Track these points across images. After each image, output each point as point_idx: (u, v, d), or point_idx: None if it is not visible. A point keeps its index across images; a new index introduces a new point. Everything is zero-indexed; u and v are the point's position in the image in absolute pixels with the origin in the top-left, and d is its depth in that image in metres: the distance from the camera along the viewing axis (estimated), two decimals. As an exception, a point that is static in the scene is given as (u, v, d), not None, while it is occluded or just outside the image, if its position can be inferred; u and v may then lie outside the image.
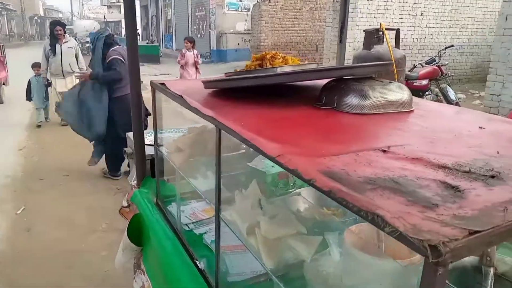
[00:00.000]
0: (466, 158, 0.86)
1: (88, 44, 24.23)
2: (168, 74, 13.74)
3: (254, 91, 1.46)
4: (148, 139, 2.35)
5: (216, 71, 14.02)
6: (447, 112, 1.35)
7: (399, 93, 1.28)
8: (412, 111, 1.29)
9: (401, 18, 10.50)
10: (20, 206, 4.07)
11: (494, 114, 5.67)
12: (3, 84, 9.46)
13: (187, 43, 7.66)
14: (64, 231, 3.57)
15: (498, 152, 0.91)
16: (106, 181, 4.75)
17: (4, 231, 3.59)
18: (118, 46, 4.50)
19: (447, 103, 6.43)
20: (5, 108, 8.86)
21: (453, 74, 8.27)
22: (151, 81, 1.80)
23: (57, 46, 6.62)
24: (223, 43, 17.22)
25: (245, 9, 17.17)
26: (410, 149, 0.92)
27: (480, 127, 1.12)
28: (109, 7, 38.95)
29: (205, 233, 1.64)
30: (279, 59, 1.69)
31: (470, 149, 0.93)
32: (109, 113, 4.39)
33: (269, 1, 13.74)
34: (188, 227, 1.69)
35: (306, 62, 1.73)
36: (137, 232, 1.81)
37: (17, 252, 3.25)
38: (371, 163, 0.83)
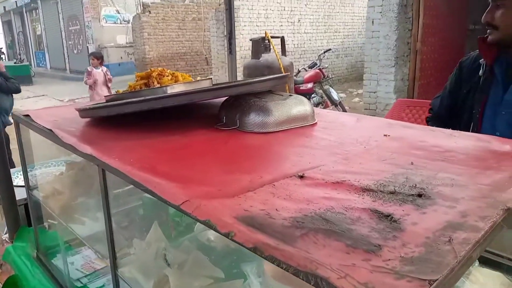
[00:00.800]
0: (385, 174, 0.80)
1: None
2: (43, 95, 12.41)
3: (142, 116, 1.27)
4: (20, 178, 1.97)
5: (100, 88, 13.07)
6: (348, 121, 1.32)
7: (301, 106, 1.21)
8: (315, 123, 1.23)
9: (281, 25, 11.00)
10: None
11: (373, 109, 6.20)
12: None
13: (93, 59, 6.73)
14: None
15: (412, 163, 0.87)
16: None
17: None
18: None
19: (331, 103, 6.86)
20: None
21: (333, 75, 8.89)
22: (12, 113, 1.49)
23: None
24: (104, 57, 16.15)
25: (125, 21, 16.34)
26: (326, 170, 0.84)
27: (385, 135, 1.10)
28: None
29: (103, 286, 1.38)
30: (167, 76, 1.51)
31: (385, 163, 0.88)
32: None
33: (150, 13, 13.27)
34: (81, 282, 1.41)
35: (198, 78, 1.59)
36: (14, 299, 1.46)
37: None
38: (291, 196, 0.71)
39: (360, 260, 0.50)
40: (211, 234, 1.38)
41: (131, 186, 1.53)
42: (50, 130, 1.20)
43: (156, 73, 1.48)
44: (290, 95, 1.25)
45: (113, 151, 0.99)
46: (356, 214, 0.64)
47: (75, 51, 18.09)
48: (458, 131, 1.12)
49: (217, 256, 1.14)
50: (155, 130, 1.19)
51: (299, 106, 1.20)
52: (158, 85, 1.43)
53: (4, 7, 25.07)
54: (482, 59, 1.49)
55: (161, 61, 13.33)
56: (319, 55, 7.41)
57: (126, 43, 16.22)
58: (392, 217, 0.62)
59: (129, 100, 1.16)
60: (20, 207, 1.72)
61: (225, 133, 1.14)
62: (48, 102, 11.23)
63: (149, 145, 1.05)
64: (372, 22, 6.07)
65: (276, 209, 0.66)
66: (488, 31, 1.43)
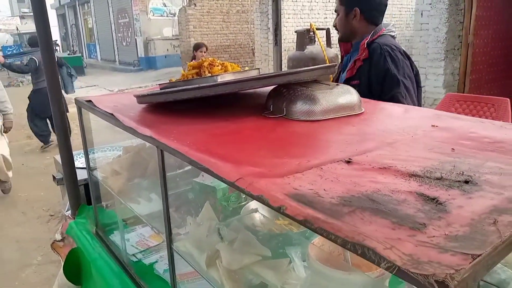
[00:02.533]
0: (432, 162, 0.82)
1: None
2: (95, 85, 13.02)
3: (194, 103, 1.34)
4: (79, 161, 2.13)
5: (147, 79, 13.55)
6: (395, 111, 1.33)
7: (348, 95, 1.23)
8: (362, 113, 1.25)
9: (326, 17, 10.86)
10: None
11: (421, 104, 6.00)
12: None
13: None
14: (-9, 270, 3.17)
15: (459, 152, 0.88)
16: (36, 208, 4.32)
17: None
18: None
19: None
20: None
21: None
22: (75, 99, 1.61)
23: None
24: (151, 49, 16.67)
25: (171, 14, 16.76)
26: (373, 156, 0.87)
27: (433, 125, 1.10)
28: (22, 17, 36.16)
29: (156, 262, 1.48)
30: (217, 66, 1.58)
31: (432, 151, 0.89)
32: (29, 103, 6.28)
33: (195, 5, 13.53)
34: (136, 258, 1.52)
35: (246, 68, 1.65)
36: (75, 269, 1.60)
37: None
38: (338, 178, 0.75)
39: (406, 236, 0.54)
40: (257, 218, 1.45)
41: (182, 171, 1.62)
42: (112, 114, 1.30)
43: (207, 63, 1.55)
44: (337, 85, 1.27)
45: (170, 134, 1.06)
46: (402, 196, 0.67)
47: (124, 43, 18.78)
48: (509, 123, 1.11)
49: (263, 238, 1.20)
50: (207, 116, 1.26)
51: (346, 95, 1.22)
52: (209, 74, 1.50)
53: (59, 1, 26.37)
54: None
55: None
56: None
57: (172, 35, 16.63)
58: (438, 200, 0.65)
59: (184, 87, 1.23)
60: (80, 187, 1.86)
61: (272, 121, 1.19)
62: (99, 92, 11.77)
63: (202, 130, 1.12)
64: (421, 14, 5.87)
65: (324, 189, 0.70)
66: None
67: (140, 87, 12.08)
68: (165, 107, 1.35)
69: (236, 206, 1.58)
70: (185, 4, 14.04)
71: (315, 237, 1.14)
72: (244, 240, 1.00)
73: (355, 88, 1.72)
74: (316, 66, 1.29)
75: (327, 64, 1.31)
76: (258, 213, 1.37)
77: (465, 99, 3.53)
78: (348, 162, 0.84)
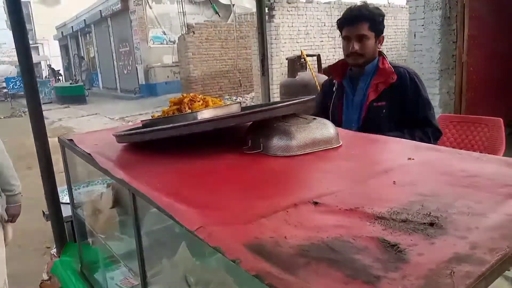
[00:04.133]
0: (401, 201, 0.81)
1: (5, 90, 22.67)
2: (96, 113, 13.15)
3: (174, 140, 1.34)
4: (66, 196, 2.12)
5: (148, 106, 13.67)
6: (374, 143, 1.32)
7: (325, 129, 1.22)
8: (340, 146, 1.24)
9: (322, 41, 11.02)
10: None
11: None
12: None
13: None
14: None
15: (431, 190, 0.86)
16: (32, 241, 4.28)
17: None
18: None
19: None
20: None
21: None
22: (58, 138, 1.62)
23: None
24: (151, 77, 16.90)
25: (171, 41, 17.06)
26: (342, 197, 0.85)
27: (409, 158, 1.09)
28: (26, 49, 36.89)
29: (139, 301, 1.45)
30: (198, 101, 1.58)
31: (403, 189, 0.88)
32: None
33: (193, 33, 13.79)
34: (119, 298, 1.49)
35: (228, 103, 1.65)
36: (59, 311, 1.57)
37: None
38: (302, 223, 0.74)
39: (357, 292, 0.52)
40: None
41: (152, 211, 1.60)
42: (89, 154, 1.30)
43: (188, 98, 1.56)
44: (314, 119, 1.27)
45: (143, 176, 1.05)
46: (364, 243, 0.65)
47: (125, 71, 19.06)
48: (486, 154, 1.10)
49: (244, 278, 1.17)
50: (185, 154, 1.25)
51: (322, 129, 1.22)
52: (189, 111, 1.50)
53: (62, 32, 26.96)
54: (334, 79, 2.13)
55: (205, 79, 13.74)
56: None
57: (172, 62, 16.87)
58: (398, 247, 0.63)
59: (160, 127, 1.23)
60: (67, 224, 1.85)
61: (249, 157, 1.18)
62: (100, 120, 11.87)
63: (177, 170, 1.11)
64: (414, 35, 5.95)
65: (285, 237, 0.68)
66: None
67: (141, 114, 12.19)
68: (144, 145, 1.35)
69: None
70: (184, 32, 14.32)
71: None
72: (220, 284, 0.98)
73: (381, 110, 1.95)
74: (293, 101, 1.29)
75: (304, 98, 1.31)
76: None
77: (458, 119, 3.52)
78: (316, 203, 0.82)
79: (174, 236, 1.20)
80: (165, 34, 17.23)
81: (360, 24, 1.94)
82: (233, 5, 15.84)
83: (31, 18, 34.76)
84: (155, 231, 1.28)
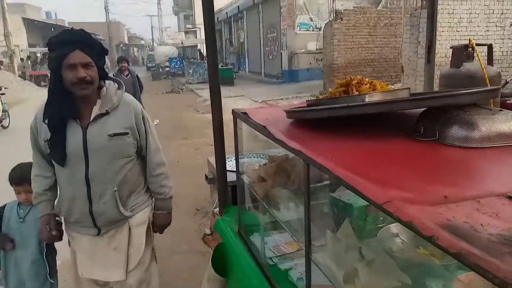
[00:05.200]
0: None
1: (167, 69, 25.95)
2: (242, 95, 14.07)
3: (341, 120, 1.38)
4: (228, 164, 2.35)
5: (289, 91, 14.09)
6: None
7: (514, 123, 1.11)
8: (531, 143, 1.12)
9: (487, 30, 9.74)
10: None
11: None
12: None
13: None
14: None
15: None
16: (185, 202, 4.89)
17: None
18: None
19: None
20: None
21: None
22: (232, 110, 1.80)
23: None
24: (294, 63, 17.28)
25: (317, 28, 17.12)
26: (542, 194, 0.78)
27: None
28: (186, 32, 41.39)
29: (291, 269, 1.56)
30: (366, 84, 1.59)
31: None
32: None
33: (341, 19, 13.56)
34: (272, 261, 1.62)
35: (396, 87, 1.61)
36: (221, 262, 1.78)
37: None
38: (498, 214, 0.70)
39: None
40: (396, 243, 1.40)
41: (320, 184, 1.66)
42: (264, 126, 1.43)
43: (356, 81, 1.57)
44: (501, 110, 1.17)
45: (317, 149, 1.12)
46: None
47: (270, 57, 19.87)
48: None
49: (402, 265, 1.17)
50: (352, 134, 1.28)
51: (510, 122, 1.11)
52: (357, 93, 1.52)
53: (217, 17, 29.32)
54: None
55: (348, 67, 13.47)
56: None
57: (316, 49, 16.94)
58: None
59: (332, 105, 1.28)
60: (228, 188, 2.07)
61: (423, 144, 1.15)
62: (245, 102, 12.69)
63: (347, 148, 1.15)
64: None
65: (481, 224, 0.66)
66: None
67: (281, 99, 12.64)
68: (311, 122, 1.42)
69: (373, 228, 1.56)
70: (332, 18, 14.18)
71: (461, 272, 1.07)
72: (384, 263, 1.00)
73: None
74: (477, 89, 1.21)
75: (489, 88, 1.21)
76: (397, 238, 1.33)
77: None
78: (511, 198, 0.77)
79: (339, 211, 1.25)
80: (311, 20, 17.35)
81: None
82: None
83: (193, 4, 38.68)
84: (320, 204, 1.35)
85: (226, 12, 26.37)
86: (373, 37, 13.83)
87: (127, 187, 1.82)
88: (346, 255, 1.06)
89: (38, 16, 35.33)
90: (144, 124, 1.84)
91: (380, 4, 15.50)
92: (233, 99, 13.06)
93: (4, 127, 9.47)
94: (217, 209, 2.08)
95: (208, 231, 2.01)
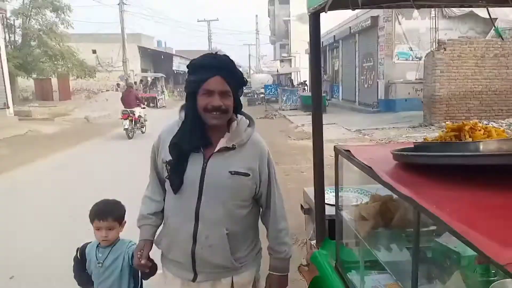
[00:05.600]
0: None
1: (262, 95, 26.99)
2: (334, 123, 13.98)
3: (453, 166, 1.36)
4: (326, 196, 2.40)
5: (385, 121, 13.67)
6: None
7: None
8: None
9: None
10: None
11: None
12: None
13: None
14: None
15: None
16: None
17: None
18: None
19: None
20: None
21: None
22: (334, 147, 1.86)
23: None
24: (391, 92, 16.77)
25: (416, 58, 16.48)
26: None
27: None
28: (281, 61, 42.69)
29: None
30: (479, 130, 1.55)
31: None
32: None
33: (445, 50, 12.89)
34: (371, 301, 1.62)
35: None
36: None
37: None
38: None
39: None
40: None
41: (425, 229, 1.63)
42: (370, 167, 1.46)
43: (469, 127, 1.54)
44: None
45: (428, 197, 1.13)
46: None
47: (366, 85, 19.54)
48: None
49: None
50: (466, 182, 1.24)
51: None
52: (470, 139, 1.48)
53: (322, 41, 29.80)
54: None
55: (451, 99, 12.68)
56: None
57: (415, 79, 16.28)
58: None
59: (443, 153, 1.28)
60: (325, 221, 2.11)
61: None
62: (338, 130, 12.59)
63: (462, 197, 1.14)
64: None
65: None
66: None
67: (377, 129, 12.30)
68: (420, 166, 1.42)
69: (484, 280, 1.48)
70: (434, 48, 13.56)
71: None
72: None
73: None
74: None
75: None
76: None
77: None
78: None
79: (445, 257, 1.23)
80: (411, 50, 16.77)
81: None
82: (496, 18, 14.00)
83: (289, 34, 39.91)
84: (424, 248, 1.33)
85: (322, 42, 26.70)
86: (480, 68, 12.88)
87: (239, 235, 1.63)
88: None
89: (151, 44, 39.33)
90: (268, 169, 1.67)
91: (489, 34, 14.45)
92: (325, 127, 12.95)
93: (143, 132, 12.79)
94: (314, 241, 2.13)
95: (304, 262, 2.06)
